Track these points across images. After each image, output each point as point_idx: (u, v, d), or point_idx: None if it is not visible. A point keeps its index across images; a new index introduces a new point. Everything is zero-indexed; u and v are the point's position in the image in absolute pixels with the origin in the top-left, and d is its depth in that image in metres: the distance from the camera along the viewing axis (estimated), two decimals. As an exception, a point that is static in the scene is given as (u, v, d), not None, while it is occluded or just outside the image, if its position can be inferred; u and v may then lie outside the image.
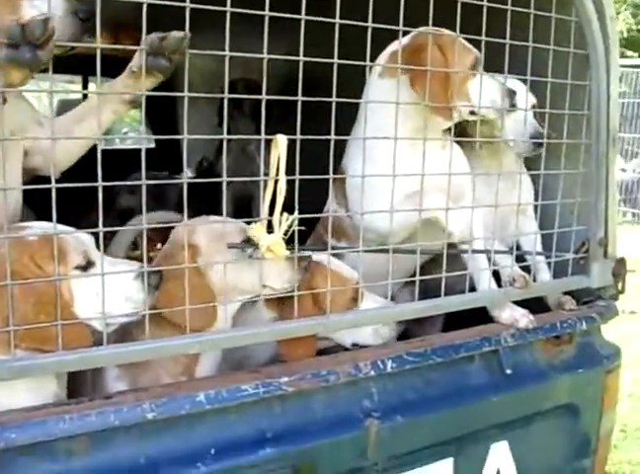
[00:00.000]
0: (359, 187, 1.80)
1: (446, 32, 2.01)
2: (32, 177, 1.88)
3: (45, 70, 1.38)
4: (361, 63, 1.67)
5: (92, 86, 5.89)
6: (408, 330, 2.71)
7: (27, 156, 1.87)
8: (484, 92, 1.99)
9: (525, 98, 2.19)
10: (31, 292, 1.46)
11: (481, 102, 2.02)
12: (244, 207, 3.71)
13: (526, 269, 2.14)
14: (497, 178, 1.97)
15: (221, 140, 3.70)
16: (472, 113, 2.08)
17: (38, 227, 1.61)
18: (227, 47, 1.44)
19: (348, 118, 2.02)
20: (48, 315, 1.47)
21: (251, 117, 3.59)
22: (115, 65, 1.68)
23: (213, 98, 3.59)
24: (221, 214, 1.93)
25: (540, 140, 2.23)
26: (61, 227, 1.55)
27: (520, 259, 2.16)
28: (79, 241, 1.60)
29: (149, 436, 1.51)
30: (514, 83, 2.16)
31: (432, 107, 1.90)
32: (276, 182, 1.56)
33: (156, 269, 1.62)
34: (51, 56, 1.35)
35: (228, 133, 1.58)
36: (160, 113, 4.80)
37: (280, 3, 1.48)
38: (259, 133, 1.56)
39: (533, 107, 2.31)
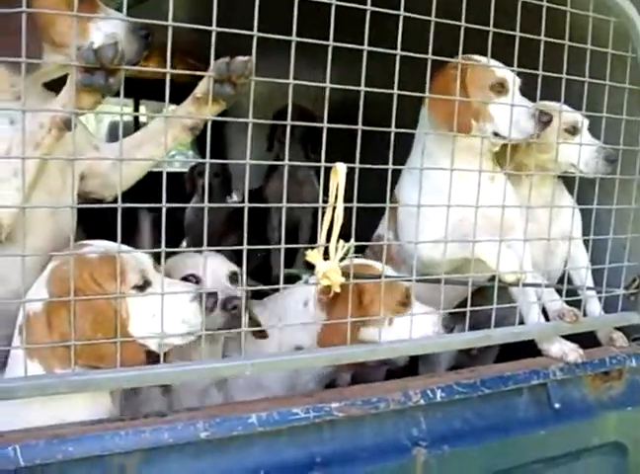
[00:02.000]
0: (409, 214, 1.83)
1: (478, 58, 2.09)
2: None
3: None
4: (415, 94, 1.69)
5: (142, 108, 6.00)
6: (459, 365, 2.72)
7: (82, 180, 1.91)
8: (507, 114, 2.01)
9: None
10: (90, 310, 1.50)
11: (504, 123, 2.05)
12: (291, 232, 3.75)
13: (575, 303, 2.13)
14: (540, 209, 1.98)
15: (271, 165, 3.81)
16: (496, 134, 2.11)
17: (98, 246, 1.66)
18: (291, 76, 1.47)
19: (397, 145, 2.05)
20: (106, 333, 1.50)
21: (301, 142, 3.64)
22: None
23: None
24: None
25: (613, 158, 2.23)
26: (121, 247, 1.56)
27: (569, 293, 2.15)
28: (138, 261, 1.63)
29: (201, 456, 1.53)
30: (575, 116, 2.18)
31: (451, 126, 1.90)
32: (332, 209, 1.58)
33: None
34: (122, 81, 1.40)
35: (281, 158, 1.62)
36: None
37: (337, 32, 1.51)
38: (308, 159, 1.59)
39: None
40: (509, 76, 2.12)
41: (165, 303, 1.50)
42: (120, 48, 1.36)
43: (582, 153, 2.20)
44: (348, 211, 1.59)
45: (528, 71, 1.91)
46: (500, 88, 2.11)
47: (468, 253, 1.99)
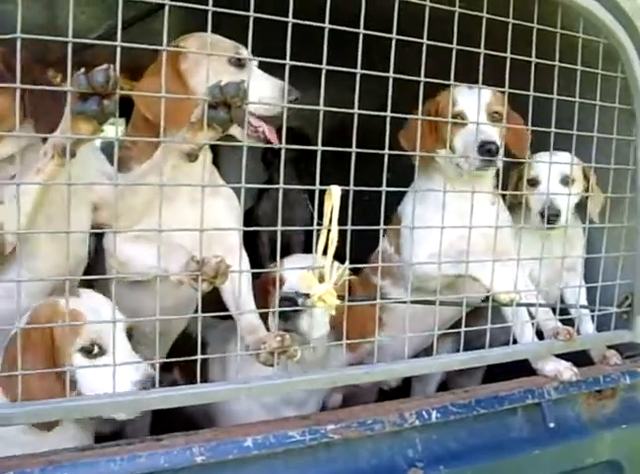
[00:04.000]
0: (409, 230, 1.93)
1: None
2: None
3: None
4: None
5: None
6: (448, 379, 2.72)
7: (95, 211, 1.93)
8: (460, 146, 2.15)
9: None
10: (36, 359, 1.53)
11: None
12: (282, 251, 3.76)
13: (569, 322, 2.14)
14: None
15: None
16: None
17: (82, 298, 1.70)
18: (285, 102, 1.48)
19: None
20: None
21: (293, 163, 3.65)
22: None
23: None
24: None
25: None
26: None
27: (562, 312, 2.16)
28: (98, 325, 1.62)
29: (197, 480, 1.53)
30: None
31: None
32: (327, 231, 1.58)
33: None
34: (117, 106, 1.40)
35: (274, 178, 1.63)
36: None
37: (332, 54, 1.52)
38: (300, 179, 1.60)
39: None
40: (467, 108, 2.15)
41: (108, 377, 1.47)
42: (112, 73, 1.36)
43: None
44: (342, 234, 1.59)
45: (520, 92, 1.93)
46: (458, 118, 2.14)
47: (462, 270, 2.01)
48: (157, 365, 1.49)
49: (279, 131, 1.86)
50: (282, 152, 1.54)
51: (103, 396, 1.47)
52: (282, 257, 1.92)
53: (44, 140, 1.63)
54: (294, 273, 1.80)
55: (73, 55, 1.35)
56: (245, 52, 1.91)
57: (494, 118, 2.17)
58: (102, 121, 1.42)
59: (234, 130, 1.85)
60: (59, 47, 1.50)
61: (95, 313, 1.63)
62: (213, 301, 1.83)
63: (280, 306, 1.70)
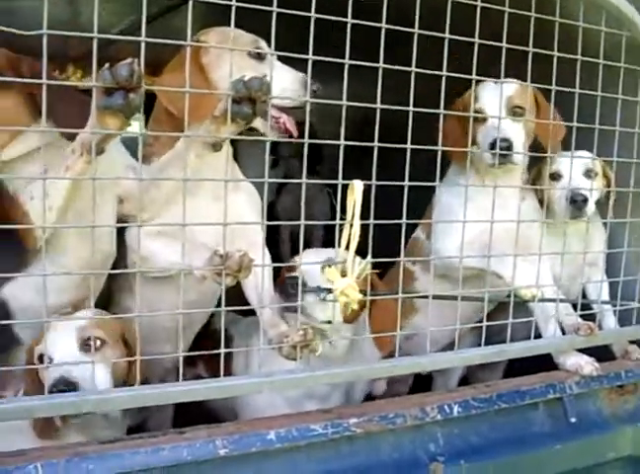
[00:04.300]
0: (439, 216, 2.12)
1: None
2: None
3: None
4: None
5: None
6: (470, 373, 2.73)
7: (120, 203, 1.96)
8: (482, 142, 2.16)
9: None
10: None
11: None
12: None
13: (590, 317, 2.13)
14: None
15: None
16: None
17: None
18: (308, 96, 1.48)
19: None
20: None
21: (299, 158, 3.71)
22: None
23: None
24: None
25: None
26: None
27: (584, 307, 2.15)
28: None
29: (218, 472, 1.54)
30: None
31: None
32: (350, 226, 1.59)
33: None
34: (142, 100, 1.41)
35: (288, 174, 1.63)
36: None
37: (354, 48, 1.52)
38: (314, 174, 1.59)
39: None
40: (487, 105, 2.16)
41: None
42: (136, 66, 1.37)
43: None
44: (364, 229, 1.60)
45: (543, 86, 1.93)
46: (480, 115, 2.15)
47: (485, 264, 2.01)
48: (181, 359, 1.49)
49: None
50: (306, 146, 1.54)
51: (124, 390, 1.50)
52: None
53: (68, 138, 1.65)
54: (313, 266, 1.80)
55: (100, 50, 1.36)
56: (265, 46, 1.93)
57: (515, 112, 2.17)
58: (128, 116, 1.43)
59: (257, 123, 1.87)
60: (80, 44, 1.51)
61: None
62: (236, 296, 1.85)
63: (287, 287, 1.71)
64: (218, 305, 1.77)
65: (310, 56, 1.49)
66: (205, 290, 1.98)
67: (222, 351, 1.51)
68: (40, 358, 1.66)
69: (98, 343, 1.68)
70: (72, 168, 1.57)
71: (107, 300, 2.18)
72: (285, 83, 1.86)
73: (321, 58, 1.49)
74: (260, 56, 1.93)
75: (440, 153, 1.73)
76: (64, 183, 1.61)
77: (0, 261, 1.78)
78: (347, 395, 2.16)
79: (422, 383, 2.67)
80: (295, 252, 1.73)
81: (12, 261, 1.78)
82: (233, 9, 1.43)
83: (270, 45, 1.64)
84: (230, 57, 1.59)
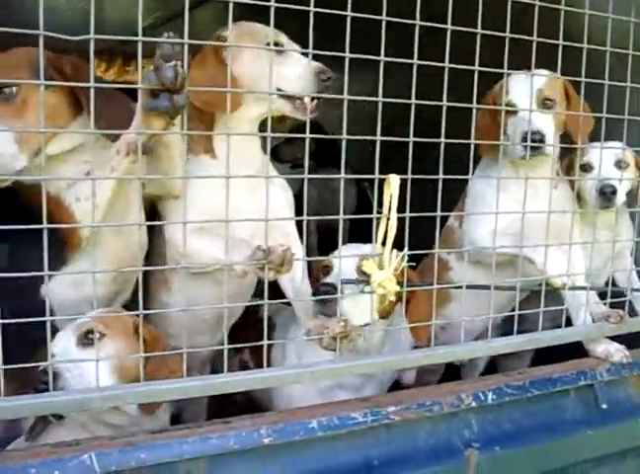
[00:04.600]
0: (473, 206, 2.21)
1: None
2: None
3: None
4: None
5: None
6: (498, 361, 2.77)
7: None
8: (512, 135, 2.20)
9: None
10: None
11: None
12: (327, 237, 3.82)
13: (620, 305, 2.16)
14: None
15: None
16: None
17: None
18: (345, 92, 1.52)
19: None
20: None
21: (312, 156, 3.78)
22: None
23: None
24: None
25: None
26: None
27: (614, 295, 2.18)
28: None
29: (263, 460, 1.58)
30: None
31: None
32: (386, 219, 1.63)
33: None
34: (187, 101, 1.45)
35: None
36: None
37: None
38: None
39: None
40: (516, 98, 2.19)
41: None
42: (180, 69, 1.41)
43: None
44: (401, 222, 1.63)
45: (573, 79, 1.95)
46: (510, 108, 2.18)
47: (518, 251, 2.05)
48: (225, 351, 1.54)
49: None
50: (344, 143, 1.56)
51: (172, 382, 1.54)
52: (330, 246, 1.98)
53: (109, 137, 1.70)
54: (349, 260, 1.84)
55: (120, 46, 1.40)
56: (284, 39, 1.97)
57: (546, 104, 2.20)
58: (173, 116, 1.49)
59: (284, 107, 1.92)
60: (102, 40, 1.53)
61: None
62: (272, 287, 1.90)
63: (319, 292, 1.76)
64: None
65: (347, 55, 1.51)
66: (244, 283, 2.03)
67: (265, 343, 1.55)
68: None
69: (97, 336, 1.72)
70: (117, 168, 1.62)
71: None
72: (297, 72, 1.90)
73: (355, 55, 1.51)
74: (278, 49, 1.96)
75: (472, 146, 1.76)
76: (110, 183, 1.66)
77: (38, 261, 1.84)
78: (379, 385, 2.21)
79: (450, 371, 2.71)
80: (322, 243, 1.77)
81: (50, 259, 1.84)
82: (272, 10, 1.45)
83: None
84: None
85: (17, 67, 1.67)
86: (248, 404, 2.33)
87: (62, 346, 1.70)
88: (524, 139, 2.10)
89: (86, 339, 1.71)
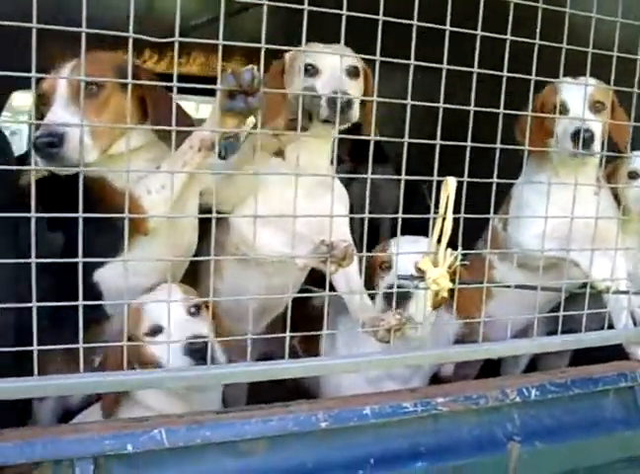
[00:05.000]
0: (517, 209, 2.27)
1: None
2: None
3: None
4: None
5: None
6: (538, 359, 2.84)
7: (201, 196, 2.11)
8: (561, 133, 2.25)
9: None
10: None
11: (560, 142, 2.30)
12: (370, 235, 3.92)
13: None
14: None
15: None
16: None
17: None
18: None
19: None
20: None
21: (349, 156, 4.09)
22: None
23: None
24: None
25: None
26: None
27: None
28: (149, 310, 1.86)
29: (319, 443, 1.67)
30: None
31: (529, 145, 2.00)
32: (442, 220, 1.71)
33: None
34: (261, 103, 1.54)
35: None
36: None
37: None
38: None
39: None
40: (568, 98, 2.27)
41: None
42: (257, 72, 1.51)
43: None
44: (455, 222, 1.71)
45: (620, 89, 2.01)
46: (561, 108, 2.27)
47: (563, 254, 2.12)
48: (287, 339, 1.63)
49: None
50: (405, 145, 1.65)
51: (234, 366, 1.65)
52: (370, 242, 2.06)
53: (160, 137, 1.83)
54: (407, 256, 1.93)
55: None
56: (318, 60, 2.03)
57: (596, 108, 2.28)
58: (246, 116, 1.58)
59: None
60: (155, 30, 1.62)
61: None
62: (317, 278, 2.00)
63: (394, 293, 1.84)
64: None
65: (378, 58, 1.57)
66: (294, 276, 2.12)
67: (324, 333, 1.65)
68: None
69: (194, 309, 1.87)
70: (189, 163, 1.72)
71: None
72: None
73: (386, 59, 1.57)
74: (311, 71, 2.05)
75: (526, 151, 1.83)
76: (181, 176, 1.76)
77: (95, 248, 1.95)
78: (424, 377, 2.30)
79: (489, 367, 2.78)
80: (367, 241, 1.84)
81: (105, 248, 1.94)
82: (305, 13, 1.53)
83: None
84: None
85: (103, 68, 1.78)
86: (295, 389, 2.43)
87: (178, 318, 1.80)
88: (574, 138, 2.17)
89: (191, 312, 1.86)
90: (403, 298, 1.89)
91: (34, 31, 1.29)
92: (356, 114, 1.91)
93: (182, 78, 1.44)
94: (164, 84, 1.67)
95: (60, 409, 2.31)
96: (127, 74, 1.74)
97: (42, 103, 1.78)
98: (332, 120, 1.87)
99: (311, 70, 2.02)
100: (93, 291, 1.99)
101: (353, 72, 2.06)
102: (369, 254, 2.00)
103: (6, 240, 2.08)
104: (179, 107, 1.83)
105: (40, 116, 1.76)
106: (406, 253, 1.87)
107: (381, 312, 1.90)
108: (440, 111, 1.66)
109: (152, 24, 1.41)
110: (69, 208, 1.42)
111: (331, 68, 1.96)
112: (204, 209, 2.11)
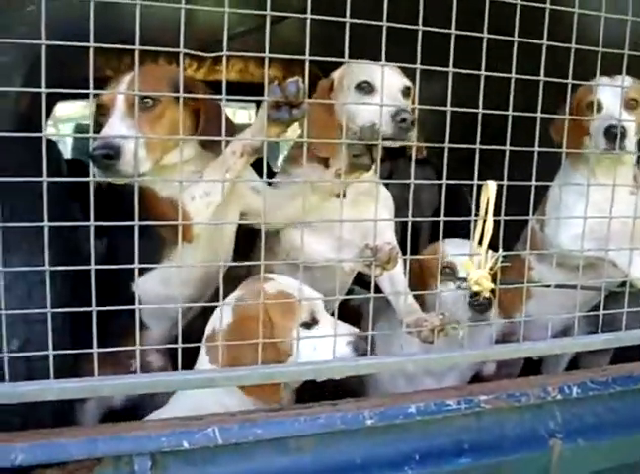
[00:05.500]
0: (554, 209, 2.34)
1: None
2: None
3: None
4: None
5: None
6: (580, 358, 2.86)
7: (243, 216, 2.19)
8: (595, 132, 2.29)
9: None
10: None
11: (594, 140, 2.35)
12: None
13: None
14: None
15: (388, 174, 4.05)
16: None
17: (279, 282, 1.92)
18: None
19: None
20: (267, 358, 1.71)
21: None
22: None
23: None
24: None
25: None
26: (295, 284, 1.83)
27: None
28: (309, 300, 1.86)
29: (366, 440, 1.73)
30: None
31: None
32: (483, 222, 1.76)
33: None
34: (305, 114, 1.61)
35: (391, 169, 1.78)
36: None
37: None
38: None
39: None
40: (602, 96, 2.32)
41: (326, 342, 1.75)
42: (302, 84, 1.57)
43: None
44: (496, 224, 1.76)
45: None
46: (597, 106, 2.31)
47: (602, 253, 2.15)
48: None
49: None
50: (446, 150, 1.69)
51: (284, 366, 1.71)
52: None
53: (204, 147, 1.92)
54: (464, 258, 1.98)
55: (214, 47, 1.54)
56: (375, 77, 2.07)
57: (630, 105, 2.31)
58: (289, 126, 1.65)
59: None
60: (193, 38, 1.68)
61: (294, 291, 1.83)
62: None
63: (474, 303, 1.96)
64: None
65: (418, 66, 1.62)
66: (343, 279, 2.19)
67: (370, 333, 1.70)
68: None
69: None
70: (233, 168, 1.79)
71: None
72: (369, 117, 1.96)
73: (426, 67, 1.61)
74: (367, 89, 2.09)
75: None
76: (225, 183, 1.83)
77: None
78: (461, 375, 2.34)
79: (530, 367, 2.82)
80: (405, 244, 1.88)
81: (146, 257, 2.01)
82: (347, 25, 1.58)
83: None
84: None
85: (158, 82, 1.86)
86: (336, 385, 2.48)
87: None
88: (607, 134, 2.21)
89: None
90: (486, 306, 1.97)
91: (91, 50, 1.36)
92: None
93: (220, 85, 1.51)
94: (214, 97, 1.73)
95: (103, 408, 2.41)
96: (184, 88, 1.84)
97: (101, 113, 1.87)
98: (397, 137, 1.94)
99: (367, 88, 2.08)
100: (133, 300, 2.07)
101: (406, 93, 2.12)
102: (413, 257, 2.05)
103: (57, 246, 2.17)
104: (227, 118, 1.91)
105: (98, 125, 1.84)
106: (459, 254, 1.92)
107: (469, 320, 1.96)
108: (479, 116, 1.70)
109: (191, 33, 1.47)
110: (111, 216, 1.49)
111: (388, 87, 1.99)
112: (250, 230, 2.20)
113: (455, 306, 2.06)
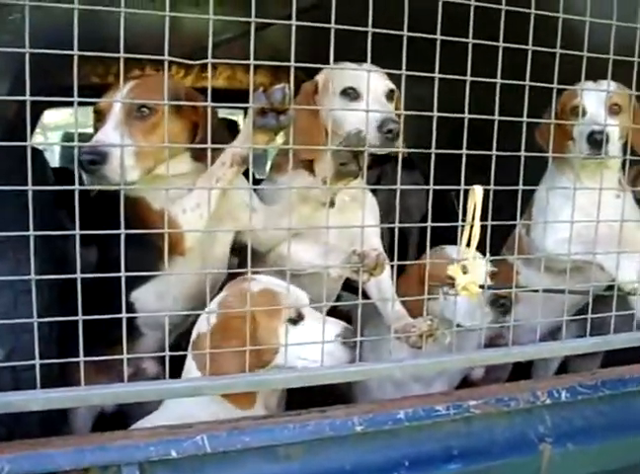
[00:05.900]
0: (540, 213, 2.33)
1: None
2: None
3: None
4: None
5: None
6: (570, 362, 2.87)
7: (239, 234, 2.19)
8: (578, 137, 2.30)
9: None
10: (239, 337, 1.71)
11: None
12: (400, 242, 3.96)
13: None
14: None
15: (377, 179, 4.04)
16: None
17: (260, 281, 1.90)
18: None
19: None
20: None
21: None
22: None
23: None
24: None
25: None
26: (279, 282, 1.83)
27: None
28: (293, 297, 1.84)
29: (355, 446, 1.72)
30: None
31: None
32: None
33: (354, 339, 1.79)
34: (291, 120, 1.61)
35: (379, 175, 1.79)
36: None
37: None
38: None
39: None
40: (586, 101, 2.33)
41: (312, 337, 1.75)
42: (287, 91, 1.57)
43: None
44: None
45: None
46: (579, 111, 2.31)
47: (589, 257, 2.15)
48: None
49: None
50: (432, 155, 1.70)
51: (271, 373, 1.70)
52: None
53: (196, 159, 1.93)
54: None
55: (200, 54, 1.53)
56: (359, 85, 2.07)
57: (613, 109, 2.32)
58: (277, 133, 1.64)
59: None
60: (180, 45, 1.67)
61: (282, 288, 1.83)
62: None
63: (496, 304, 1.96)
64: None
65: (403, 71, 1.62)
66: (331, 286, 2.18)
67: (359, 339, 1.70)
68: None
69: None
70: (223, 178, 1.79)
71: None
72: (359, 123, 1.89)
73: (412, 73, 1.60)
74: (352, 95, 2.09)
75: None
76: (215, 193, 1.83)
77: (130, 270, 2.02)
78: (449, 380, 2.34)
79: (519, 370, 2.82)
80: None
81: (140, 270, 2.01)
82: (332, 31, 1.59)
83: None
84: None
85: (156, 92, 1.84)
86: (324, 391, 2.47)
87: None
88: (590, 139, 2.22)
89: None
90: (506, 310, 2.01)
91: (75, 58, 1.35)
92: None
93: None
94: (201, 104, 1.73)
95: (95, 414, 2.41)
96: (180, 98, 1.84)
97: (98, 119, 1.87)
98: (383, 147, 1.94)
99: (352, 94, 2.07)
100: (129, 311, 2.06)
101: (390, 96, 2.11)
102: (402, 262, 2.05)
103: (44, 254, 2.16)
104: (224, 130, 1.91)
105: (96, 130, 1.86)
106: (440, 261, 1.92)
107: (490, 322, 2.00)
108: (466, 121, 1.70)
109: (176, 40, 1.46)
110: (103, 226, 1.48)
111: (373, 92, 1.98)
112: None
113: (471, 310, 2.06)
